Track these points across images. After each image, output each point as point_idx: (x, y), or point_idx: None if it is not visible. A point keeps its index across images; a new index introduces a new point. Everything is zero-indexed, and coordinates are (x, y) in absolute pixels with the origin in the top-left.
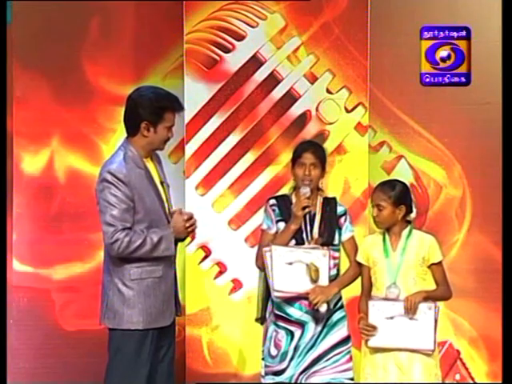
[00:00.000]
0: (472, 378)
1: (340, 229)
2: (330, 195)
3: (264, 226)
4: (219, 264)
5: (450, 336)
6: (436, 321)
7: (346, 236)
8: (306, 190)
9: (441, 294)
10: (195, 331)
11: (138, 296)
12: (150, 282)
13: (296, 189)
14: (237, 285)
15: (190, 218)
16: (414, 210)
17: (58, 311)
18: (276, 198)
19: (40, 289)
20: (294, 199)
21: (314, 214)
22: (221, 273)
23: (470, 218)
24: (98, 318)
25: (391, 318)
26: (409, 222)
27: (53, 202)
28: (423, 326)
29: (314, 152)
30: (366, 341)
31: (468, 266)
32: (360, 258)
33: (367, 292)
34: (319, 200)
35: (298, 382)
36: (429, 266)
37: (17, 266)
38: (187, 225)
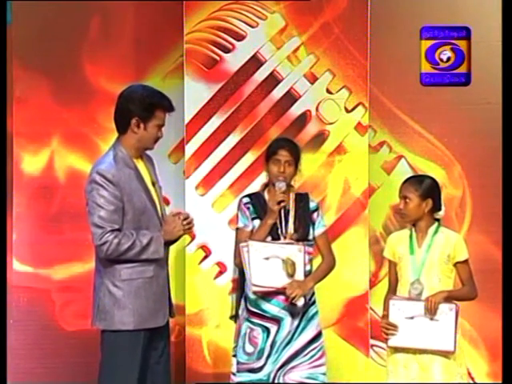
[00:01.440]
0: (472, 378)
1: (313, 224)
2: (302, 191)
3: (240, 225)
4: (219, 264)
5: None
6: (457, 322)
7: (318, 231)
8: (281, 185)
9: (466, 293)
10: (195, 331)
11: (129, 296)
12: (141, 283)
13: (269, 185)
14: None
15: (186, 217)
16: (443, 207)
17: (57, 311)
18: (249, 195)
19: (40, 289)
20: (266, 196)
21: (288, 211)
22: (221, 273)
23: (469, 217)
24: None
25: (411, 317)
26: (437, 220)
27: (53, 201)
28: (444, 327)
29: (289, 149)
30: (387, 340)
31: None
32: (386, 254)
33: (393, 288)
34: (292, 196)
35: (276, 378)
36: (454, 265)
37: (17, 266)
38: (186, 226)
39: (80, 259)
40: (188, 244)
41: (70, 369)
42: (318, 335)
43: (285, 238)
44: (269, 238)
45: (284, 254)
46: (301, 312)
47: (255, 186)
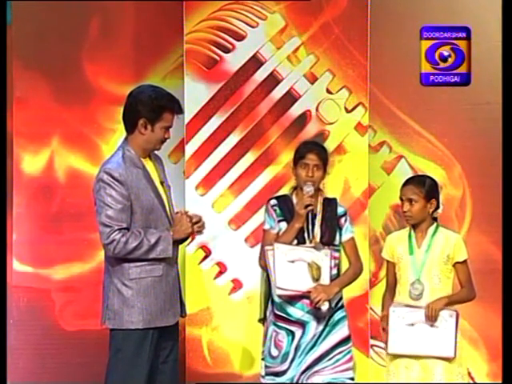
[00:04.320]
0: (472, 378)
1: (340, 229)
2: (331, 196)
3: (266, 226)
4: (219, 264)
5: None
6: (457, 328)
7: (346, 237)
8: (309, 189)
9: (464, 295)
10: (195, 331)
11: (137, 295)
12: (150, 281)
13: (297, 188)
14: (237, 285)
15: (198, 221)
16: (441, 206)
17: (57, 311)
18: (277, 198)
19: (40, 289)
20: (294, 199)
21: (315, 214)
22: (221, 273)
23: (469, 217)
24: (97, 318)
25: (412, 324)
26: (435, 219)
27: (53, 201)
28: (444, 334)
29: (317, 153)
30: (386, 347)
31: None
32: (385, 255)
33: (391, 288)
34: (320, 200)
35: (300, 382)
36: (454, 265)
37: (17, 266)
38: (196, 228)
39: (80, 259)
40: (188, 244)
41: (69, 369)
42: (346, 340)
43: (311, 242)
44: (294, 242)
45: (310, 257)
46: (326, 316)
47: (255, 186)
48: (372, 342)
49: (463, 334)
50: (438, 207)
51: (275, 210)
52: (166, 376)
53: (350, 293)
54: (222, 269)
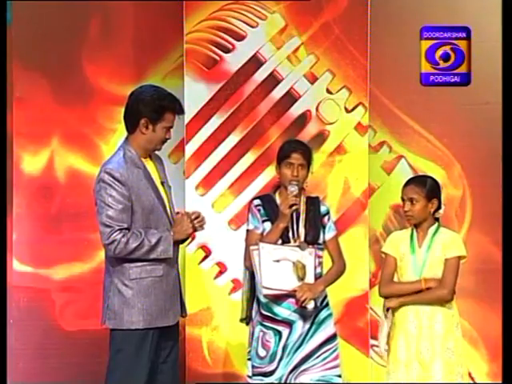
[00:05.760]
0: (472, 378)
1: (323, 228)
2: (313, 195)
3: (250, 227)
4: (219, 264)
5: None
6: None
7: (329, 235)
8: (293, 189)
9: (437, 295)
10: (195, 331)
11: (138, 295)
12: (150, 281)
13: (280, 188)
14: (237, 285)
15: (197, 216)
16: (443, 206)
17: (58, 311)
18: (260, 198)
19: (40, 289)
20: (277, 198)
21: (299, 214)
22: (221, 273)
23: (469, 217)
24: (98, 318)
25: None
26: (437, 219)
27: (53, 201)
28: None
29: (302, 153)
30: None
31: (468, 266)
32: (388, 250)
33: (388, 280)
34: (303, 199)
35: (288, 381)
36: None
37: (17, 266)
38: (197, 224)
39: (80, 259)
40: (188, 244)
41: (70, 369)
42: (332, 337)
43: (295, 241)
44: (279, 241)
45: (295, 256)
46: (312, 315)
47: (255, 186)
48: (372, 342)
49: (463, 335)
50: (439, 207)
51: (259, 210)
52: (165, 376)
53: (349, 293)
54: (222, 269)
